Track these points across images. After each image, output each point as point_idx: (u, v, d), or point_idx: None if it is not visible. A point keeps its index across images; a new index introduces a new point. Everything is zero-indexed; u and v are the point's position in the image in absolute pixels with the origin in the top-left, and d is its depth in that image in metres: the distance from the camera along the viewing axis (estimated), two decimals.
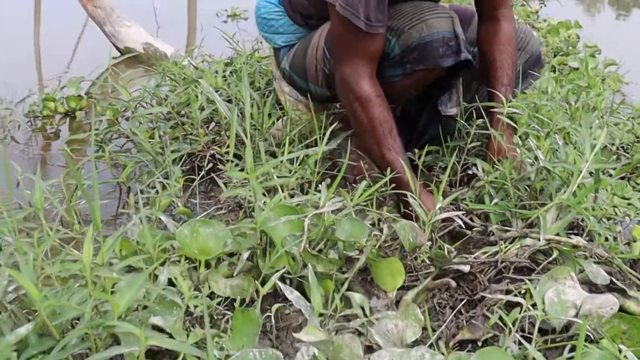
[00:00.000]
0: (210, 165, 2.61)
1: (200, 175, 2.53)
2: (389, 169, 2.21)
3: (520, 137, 2.47)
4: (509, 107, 2.39)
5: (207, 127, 2.80)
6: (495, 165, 2.37)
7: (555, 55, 4.31)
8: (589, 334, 1.74)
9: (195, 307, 1.73)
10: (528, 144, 2.36)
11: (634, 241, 2.35)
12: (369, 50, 2.26)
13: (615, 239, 2.26)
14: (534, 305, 1.73)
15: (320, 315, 1.68)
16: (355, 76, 2.26)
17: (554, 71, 4.00)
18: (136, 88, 3.05)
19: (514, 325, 1.70)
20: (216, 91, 2.87)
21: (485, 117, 2.46)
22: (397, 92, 2.37)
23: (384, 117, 2.27)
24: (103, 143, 2.82)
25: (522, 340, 1.63)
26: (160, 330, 1.62)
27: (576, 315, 1.76)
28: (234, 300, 1.81)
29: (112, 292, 1.49)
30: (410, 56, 2.34)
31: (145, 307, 1.65)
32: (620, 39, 5.00)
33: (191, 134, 2.74)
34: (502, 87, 2.50)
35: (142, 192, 2.33)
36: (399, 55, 2.34)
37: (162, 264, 1.81)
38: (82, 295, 1.44)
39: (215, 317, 1.79)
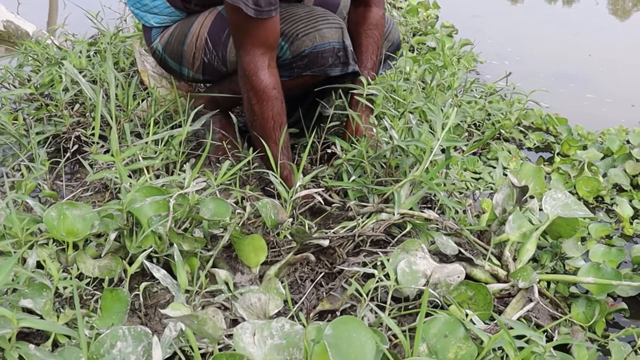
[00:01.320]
0: (76, 147, 2.61)
1: (66, 157, 2.53)
2: (272, 163, 2.26)
3: (377, 116, 2.58)
4: (367, 88, 2.50)
5: (72, 109, 2.79)
6: (353, 144, 2.48)
7: (414, 35, 4.45)
8: (438, 301, 1.86)
9: (65, 288, 1.77)
10: (384, 123, 2.48)
11: (484, 213, 2.51)
12: (265, 36, 2.27)
13: (464, 212, 2.41)
14: (387, 276, 1.85)
15: (187, 292, 1.76)
16: (252, 66, 2.28)
17: (412, 51, 4.14)
18: None
19: (368, 295, 1.81)
20: (80, 72, 2.87)
21: (344, 98, 2.56)
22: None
23: (276, 111, 2.32)
24: None
25: (377, 310, 1.72)
26: (30, 312, 1.65)
27: (426, 284, 1.88)
28: (103, 280, 1.85)
29: None
30: (300, 62, 2.41)
31: (14, 290, 1.68)
32: (477, 19, 5.20)
33: (56, 115, 2.72)
34: (365, 70, 2.61)
35: (7, 175, 2.32)
36: (289, 59, 2.41)
37: (31, 247, 1.84)
38: None
39: (85, 298, 1.83)
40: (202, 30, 2.50)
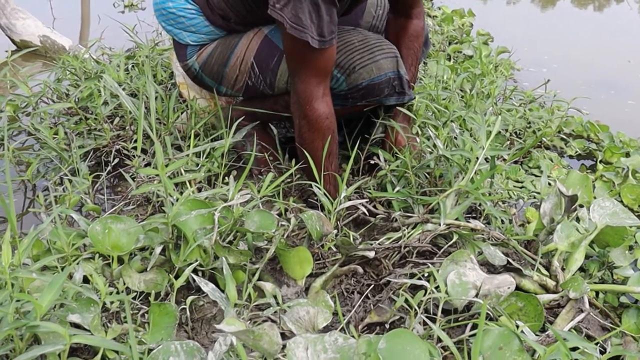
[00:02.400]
0: (117, 160, 2.61)
1: (107, 170, 2.54)
2: (316, 175, 2.24)
3: (419, 126, 2.56)
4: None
5: (112, 122, 2.80)
6: (395, 154, 2.46)
7: (450, 44, 4.42)
8: (489, 312, 1.85)
9: (112, 303, 1.76)
10: (427, 132, 2.46)
11: (528, 222, 2.48)
12: (323, 65, 2.25)
13: (510, 221, 2.38)
14: (437, 288, 1.83)
15: (235, 305, 1.75)
16: (307, 94, 2.25)
17: (449, 59, 4.11)
18: (36, 83, 3.00)
19: (419, 307, 1.79)
20: (119, 85, 2.87)
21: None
22: None
23: (327, 141, 2.29)
24: (3, 140, 2.78)
25: (427, 321, 1.70)
26: (78, 327, 1.65)
27: (476, 295, 1.85)
28: (149, 294, 1.85)
29: (27, 292, 1.52)
30: (356, 94, 2.40)
31: (62, 306, 1.67)
32: (512, 26, 5.17)
33: (95, 129, 2.73)
34: None
35: (48, 189, 2.32)
36: (345, 91, 2.40)
37: (77, 262, 1.83)
38: (1, 297, 1.45)
39: (132, 312, 1.82)
40: (248, 53, 2.46)
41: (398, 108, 2.52)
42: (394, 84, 2.41)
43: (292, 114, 2.33)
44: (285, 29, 2.13)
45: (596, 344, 1.85)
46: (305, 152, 2.29)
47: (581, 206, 2.27)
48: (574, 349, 1.72)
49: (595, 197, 2.27)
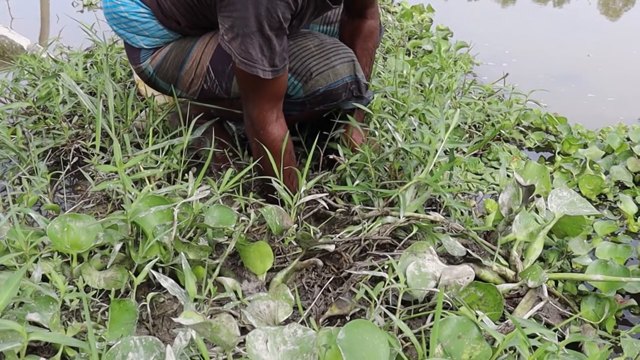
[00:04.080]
0: (76, 159, 2.59)
1: (66, 169, 2.52)
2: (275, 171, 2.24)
3: (377, 120, 2.57)
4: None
5: (71, 121, 2.77)
6: (355, 149, 2.47)
7: (409, 39, 4.43)
8: (449, 302, 1.86)
9: (71, 301, 1.75)
10: (386, 126, 2.47)
11: (488, 214, 2.50)
12: (276, 91, 2.24)
13: (470, 213, 2.41)
14: (397, 279, 1.84)
15: (195, 300, 1.74)
16: (261, 120, 2.25)
17: (409, 54, 4.13)
18: None
19: (378, 299, 1.80)
20: (78, 84, 2.85)
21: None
22: (288, 122, 2.36)
23: (285, 163, 2.29)
24: None
25: (388, 312, 1.71)
26: (37, 325, 1.63)
27: (436, 286, 1.87)
28: (109, 292, 1.84)
29: None
30: (313, 100, 2.40)
31: (21, 304, 1.66)
32: (472, 22, 5.19)
33: (54, 128, 2.71)
34: None
35: (6, 189, 2.30)
36: (302, 98, 2.40)
37: (35, 261, 1.82)
38: None
39: (92, 310, 1.81)
40: (204, 58, 2.43)
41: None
42: (351, 88, 2.41)
43: (247, 137, 2.33)
44: (234, 61, 2.15)
45: (555, 331, 1.87)
46: (264, 173, 2.31)
47: (539, 196, 2.29)
48: (534, 336, 1.74)
49: (553, 188, 2.29)
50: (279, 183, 2.17)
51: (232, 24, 2.09)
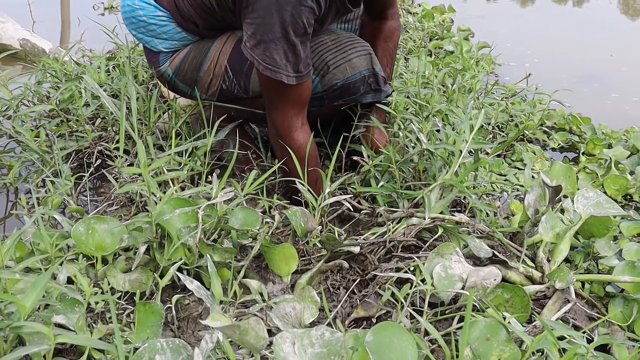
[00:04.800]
0: (99, 161, 2.60)
1: (90, 172, 2.52)
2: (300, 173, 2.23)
3: (401, 121, 2.56)
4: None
5: (93, 124, 2.78)
6: (379, 150, 2.46)
7: (430, 40, 4.42)
8: (475, 304, 1.84)
9: (97, 303, 1.75)
10: (410, 127, 2.46)
11: (512, 215, 2.48)
12: (300, 97, 2.24)
13: (495, 214, 2.39)
14: (423, 281, 1.83)
15: (220, 302, 1.74)
16: (286, 127, 2.24)
17: (431, 55, 4.12)
18: (16, 86, 2.97)
19: (405, 301, 1.79)
20: (100, 87, 2.85)
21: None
22: (309, 120, 2.35)
23: (310, 168, 2.28)
24: None
25: (414, 314, 1.70)
26: (63, 328, 1.63)
27: (463, 288, 1.85)
28: (134, 294, 1.83)
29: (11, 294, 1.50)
30: (331, 94, 2.40)
31: (46, 307, 1.66)
32: (492, 22, 5.18)
33: (77, 131, 2.72)
34: None
35: (30, 192, 2.31)
36: (320, 92, 2.39)
37: (60, 263, 1.82)
38: None
39: (117, 312, 1.81)
40: (222, 57, 2.42)
41: (376, 105, 2.52)
42: (369, 81, 2.40)
43: (271, 144, 2.32)
44: (257, 68, 2.14)
45: (583, 333, 1.85)
46: (288, 176, 2.30)
47: (565, 197, 2.27)
48: (561, 338, 1.72)
49: (578, 188, 2.27)
50: (303, 185, 2.16)
51: (255, 30, 2.09)
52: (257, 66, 2.13)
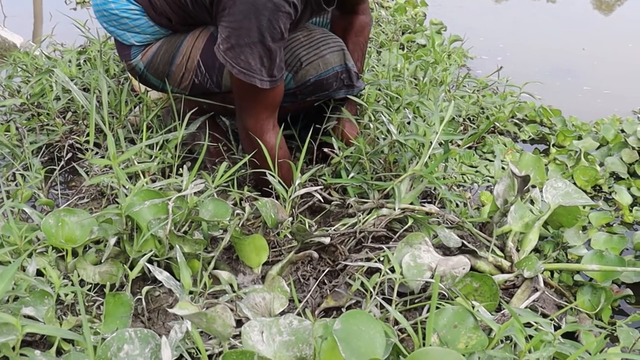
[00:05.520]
0: (70, 155, 2.59)
1: (60, 165, 2.51)
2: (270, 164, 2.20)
3: (372, 113, 2.57)
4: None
5: (64, 117, 2.77)
6: (350, 141, 2.47)
7: (403, 33, 4.43)
8: (445, 293, 1.85)
9: (66, 295, 1.75)
10: (381, 118, 2.47)
11: (483, 206, 2.50)
12: (273, 100, 2.25)
13: (465, 205, 2.41)
14: (392, 270, 1.84)
15: (190, 293, 1.74)
16: (258, 129, 2.24)
17: (403, 48, 4.13)
18: None
19: (374, 290, 1.80)
20: (71, 80, 2.84)
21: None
22: (281, 115, 2.37)
23: (284, 171, 2.29)
24: None
25: (384, 303, 1.71)
26: (32, 320, 1.63)
27: (432, 277, 1.86)
28: (104, 286, 1.83)
29: None
30: (304, 90, 2.41)
31: (16, 299, 1.66)
32: (466, 17, 5.19)
33: (48, 124, 2.70)
34: None
35: (1, 185, 2.29)
36: (293, 88, 2.39)
37: (29, 256, 1.81)
38: None
39: (87, 304, 1.81)
40: (194, 52, 2.42)
41: (348, 97, 2.53)
42: (342, 77, 2.41)
43: (243, 147, 2.33)
44: (230, 72, 2.14)
45: (551, 320, 1.87)
46: (263, 182, 2.31)
47: (534, 187, 2.29)
48: (530, 326, 1.74)
49: (548, 179, 2.29)
50: (273, 176, 2.16)
51: (230, 33, 2.09)
52: (231, 70, 2.13)
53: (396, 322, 1.76)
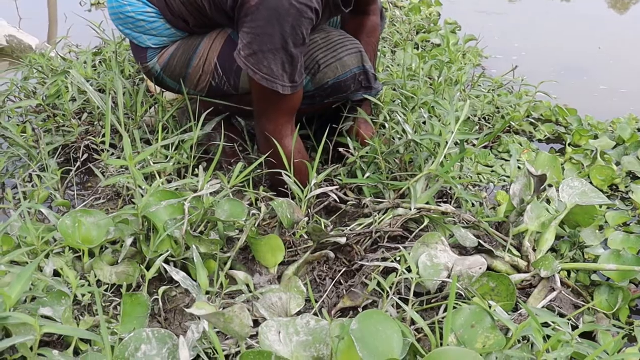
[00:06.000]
0: (86, 156, 2.59)
1: (77, 166, 2.52)
2: (285, 163, 2.21)
3: (388, 113, 2.57)
4: None
5: (80, 118, 2.78)
6: (365, 141, 2.47)
7: (418, 33, 4.43)
8: (461, 292, 1.85)
9: (83, 295, 1.75)
10: (396, 118, 2.47)
11: (499, 205, 2.50)
12: (292, 105, 2.26)
13: (481, 204, 2.40)
14: (409, 270, 1.83)
15: (207, 293, 1.74)
16: (277, 134, 2.24)
17: (417, 48, 4.12)
18: (3, 82, 2.96)
19: (391, 290, 1.80)
20: (87, 81, 2.85)
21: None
22: (298, 116, 2.37)
23: (301, 175, 2.28)
24: None
25: (400, 303, 1.71)
26: (50, 320, 1.63)
27: (449, 277, 1.86)
28: (121, 287, 1.84)
29: None
30: (322, 93, 2.41)
31: (33, 299, 1.66)
32: (480, 16, 5.18)
33: (64, 125, 2.71)
34: None
35: (18, 186, 2.30)
36: (312, 91, 2.39)
37: (47, 257, 1.82)
38: None
39: (104, 305, 1.81)
40: (211, 54, 2.41)
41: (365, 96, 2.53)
42: (360, 79, 2.41)
43: (260, 151, 2.34)
44: (252, 78, 2.14)
45: (568, 320, 1.86)
46: (281, 186, 2.30)
47: (550, 187, 2.28)
48: (547, 326, 1.73)
49: (564, 179, 2.28)
50: (289, 177, 2.16)
51: (252, 39, 2.09)
52: (253, 76, 2.12)
53: (413, 322, 1.76)
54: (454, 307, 1.68)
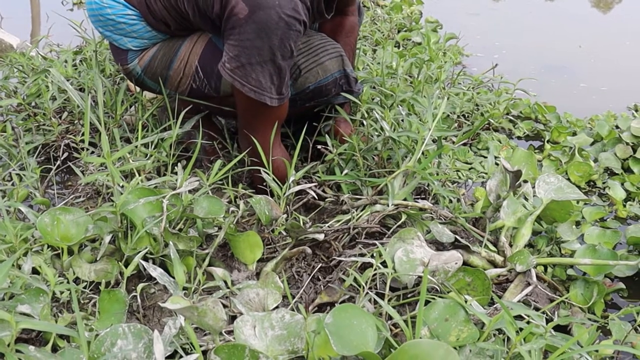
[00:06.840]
0: (66, 154, 2.60)
1: (56, 165, 2.52)
2: (264, 160, 2.22)
3: (366, 111, 2.58)
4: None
5: (60, 117, 2.78)
6: (343, 139, 2.48)
7: (399, 31, 4.44)
8: (437, 287, 1.87)
9: (62, 292, 1.76)
10: (374, 115, 2.48)
11: (477, 202, 2.51)
12: (279, 116, 2.28)
13: (459, 200, 2.42)
14: (385, 265, 1.85)
15: (185, 289, 1.75)
16: (264, 145, 2.24)
17: (398, 47, 4.14)
18: None
19: (367, 285, 1.81)
20: (67, 80, 2.85)
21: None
22: None
23: (283, 177, 2.29)
24: None
25: (376, 297, 1.72)
26: (28, 317, 1.64)
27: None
28: (99, 284, 1.84)
29: None
30: (303, 96, 2.42)
31: (11, 297, 1.67)
32: (461, 15, 5.20)
33: (44, 124, 2.71)
34: None
35: None
36: (293, 95, 2.39)
37: (25, 254, 1.83)
38: None
39: (82, 302, 1.82)
40: (192, 57, 2.40)
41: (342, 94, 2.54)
42: (340, 82, 2.43)
43: (248, 158, 2.35)
44: (239, 90, 2.15)
45: (543, 313, 1.88)
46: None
47: (526, 182, 2.31)
48: (523, 320, 1.75)
49: (540, 174, 2.31)
50: (267, 174, 2.17)
51: (239, 52, 2.10)
52: (241, 88, 2.14)
53: (390, 317, 1.77)
54: (429, 301, 1.70)
